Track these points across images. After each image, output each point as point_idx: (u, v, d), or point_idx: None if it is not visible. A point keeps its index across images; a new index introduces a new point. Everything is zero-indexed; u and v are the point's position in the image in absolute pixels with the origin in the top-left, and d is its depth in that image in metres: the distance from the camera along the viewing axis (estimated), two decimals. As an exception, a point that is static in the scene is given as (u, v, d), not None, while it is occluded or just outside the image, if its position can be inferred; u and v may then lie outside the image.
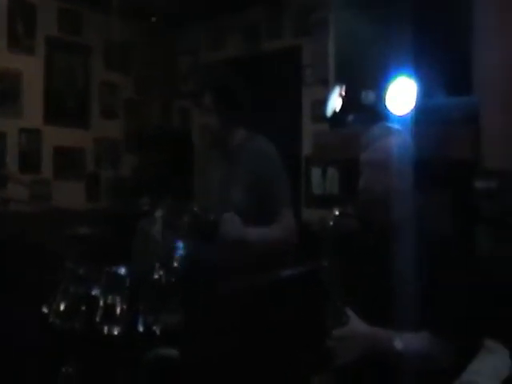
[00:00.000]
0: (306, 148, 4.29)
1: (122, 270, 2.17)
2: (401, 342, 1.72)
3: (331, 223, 1.90)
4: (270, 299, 2.30)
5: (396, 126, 1.99)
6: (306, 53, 4.47)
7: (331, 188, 3.67)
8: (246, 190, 2.41)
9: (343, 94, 3.36)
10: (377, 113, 3.12)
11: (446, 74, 3.16)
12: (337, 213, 1.90)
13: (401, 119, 2.98)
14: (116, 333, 2.07)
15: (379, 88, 3.18)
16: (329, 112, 3.46)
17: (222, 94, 2.46)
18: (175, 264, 2.12)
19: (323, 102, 3.60)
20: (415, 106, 3.00)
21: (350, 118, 3.37)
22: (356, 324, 1.78)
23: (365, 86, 3.41)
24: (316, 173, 3.71)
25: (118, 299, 2.10)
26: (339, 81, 3.66)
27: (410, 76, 3.06)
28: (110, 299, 2.10)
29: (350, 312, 1.79)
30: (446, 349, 1.73)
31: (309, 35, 4.41)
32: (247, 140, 2.54)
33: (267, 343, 2.27)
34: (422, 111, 3.01)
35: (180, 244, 2.15)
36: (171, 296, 2.12)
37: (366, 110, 3.28)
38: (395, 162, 1.87)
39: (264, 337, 2.26)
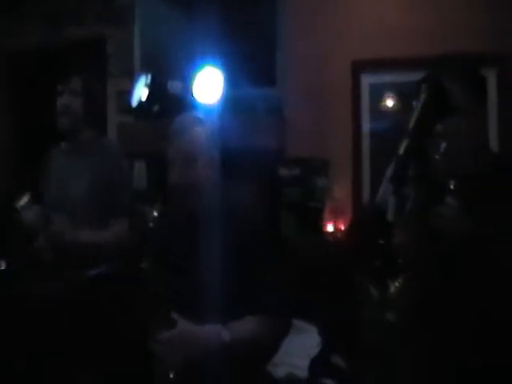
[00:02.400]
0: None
1: None
2: (228, 332, 1.69)
3: (151, 224, 1.85)
4: (82, 298, 2.21)
5: (201, 116, 1.95)
6: (110, 42, 4.26)
7: (139, 183, 3.51)
8: (89, 187, 2.40)
9: (149, 83, 3.25)
10: (184, 102, 3.07)
11: (252, 65, 3.21)
12: (155, 213, 1.83)
13: (208, 109, 2.96)
14: None
15: (186, 78, 3.13)
16: (134, 102, 3.33)
17: (92, 78, 2.61)
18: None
19: (128, 93, 3.45)
20: (222, 96, 3.00)
21: (156, 108, 3.27)
22: (181, 325, 1.71)
23: (171, 75, 3.34)
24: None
25: None
26: (145, 70, 3.54)
27: (216, 66, 3.06)
28: None
29: (175, 314, 1.72)
30: (272, 327, 1.73)
31: (113, 24, 4.21)
32: (96, 137, 2.56)
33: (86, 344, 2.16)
34: (229, 101, 3.02)
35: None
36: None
37: (172, 99, 3.22)
38: (204, 153, 1.85)
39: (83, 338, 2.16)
